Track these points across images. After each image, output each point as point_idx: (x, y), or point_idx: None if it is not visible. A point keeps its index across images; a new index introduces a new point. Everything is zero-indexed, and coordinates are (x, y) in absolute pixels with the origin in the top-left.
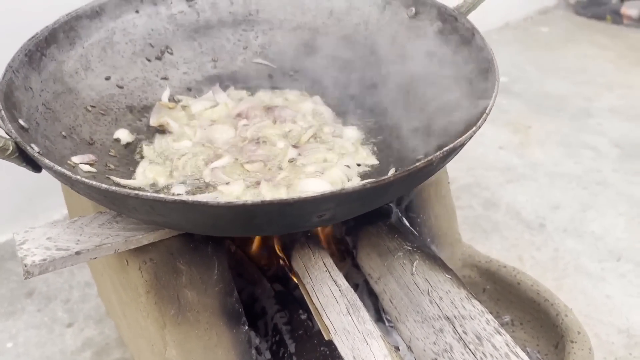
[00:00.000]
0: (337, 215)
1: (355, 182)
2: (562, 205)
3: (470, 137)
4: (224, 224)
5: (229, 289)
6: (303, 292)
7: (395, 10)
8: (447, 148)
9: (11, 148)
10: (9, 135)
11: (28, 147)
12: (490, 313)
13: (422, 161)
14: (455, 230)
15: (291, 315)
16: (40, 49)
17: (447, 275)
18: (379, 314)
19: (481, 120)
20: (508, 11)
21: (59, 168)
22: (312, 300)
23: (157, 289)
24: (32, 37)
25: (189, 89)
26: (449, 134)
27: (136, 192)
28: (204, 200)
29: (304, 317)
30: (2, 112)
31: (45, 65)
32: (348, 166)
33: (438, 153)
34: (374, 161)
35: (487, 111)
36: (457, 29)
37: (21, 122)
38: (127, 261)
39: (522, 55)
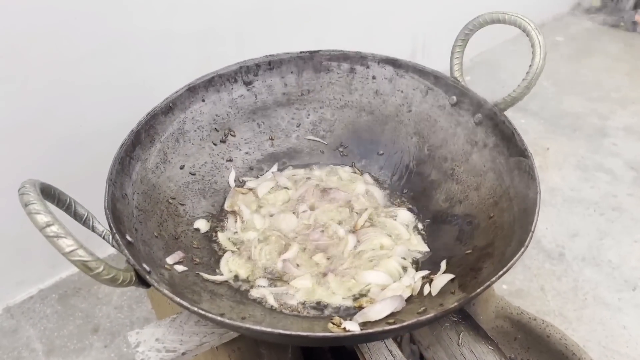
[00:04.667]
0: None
1: (410, 273)
2: (580, 233)
3: (519, 258)
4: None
5: None
6: None
7: (437, 96)
8: (501, 272)
9: (131, 278)
10: (127, 261)
11: (147, 277)
12: None
13: (482, 287)
14: (491, 287)
15: None
16: (129, 152)
17: (489, 347)
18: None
19: (528, 239)
20: None
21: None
22: None
23: None
24: (122, 145)
25: (251, 169)
26: (494, 230)
27: (267, 329)
28: (306, 334)
29: None
30: (117, 235)
31: (133, 167)
32: (404, 258)
33: (494, 278)
34: (425, 248)
35: (532, 229)
36: (497, 125)
37: (127, 237)
38: (217, 348)
39: None
